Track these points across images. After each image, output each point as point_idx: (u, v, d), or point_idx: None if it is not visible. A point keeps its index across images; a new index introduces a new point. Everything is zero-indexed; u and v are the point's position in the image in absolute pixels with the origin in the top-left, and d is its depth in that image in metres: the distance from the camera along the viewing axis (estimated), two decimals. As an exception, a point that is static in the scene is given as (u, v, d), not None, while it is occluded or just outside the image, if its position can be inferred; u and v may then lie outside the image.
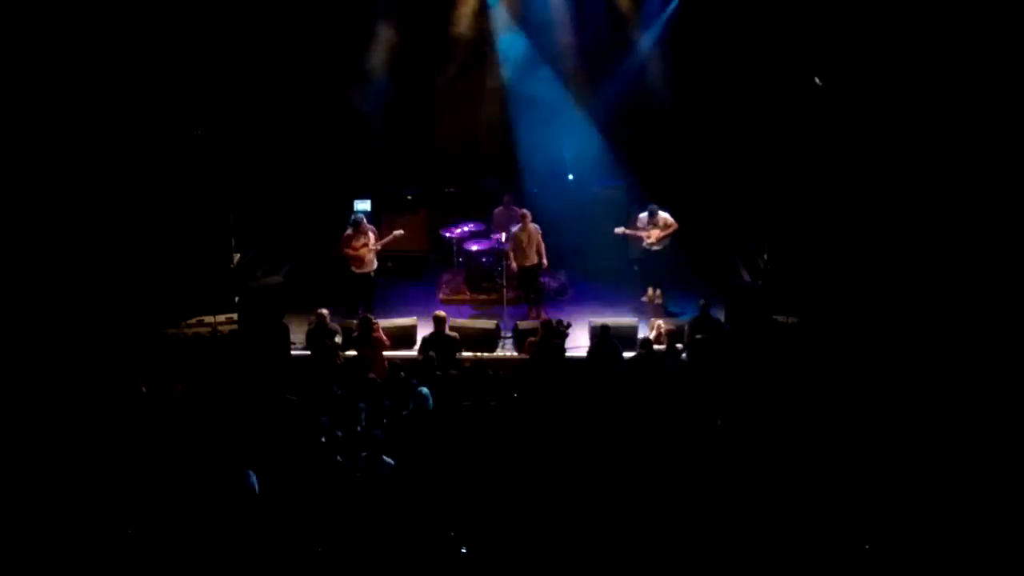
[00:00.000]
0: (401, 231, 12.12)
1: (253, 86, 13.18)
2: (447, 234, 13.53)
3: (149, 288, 11.51)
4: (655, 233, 12.33)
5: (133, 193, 11.79)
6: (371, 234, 11.85)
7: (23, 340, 9.95)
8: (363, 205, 14.06)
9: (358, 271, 11.86)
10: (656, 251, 12.44)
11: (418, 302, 12.65)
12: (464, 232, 13.48)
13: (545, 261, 12.09)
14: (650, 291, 12.70)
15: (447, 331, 10.30)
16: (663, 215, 12.37)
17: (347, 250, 11.76)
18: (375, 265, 12.00)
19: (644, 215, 12.44)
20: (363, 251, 11.73)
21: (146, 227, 11.75)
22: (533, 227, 11.97)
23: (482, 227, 13.53)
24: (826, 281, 11.59)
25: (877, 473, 7.21)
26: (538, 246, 11.99)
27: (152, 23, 11.78)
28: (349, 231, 11.83)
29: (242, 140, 13.16)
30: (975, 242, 11.18)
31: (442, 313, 10.41)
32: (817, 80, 11.59)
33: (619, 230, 12.58)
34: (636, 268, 13.44)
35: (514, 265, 11.99)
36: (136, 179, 11.87)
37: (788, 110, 12.77)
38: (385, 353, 10.26)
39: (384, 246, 12.01)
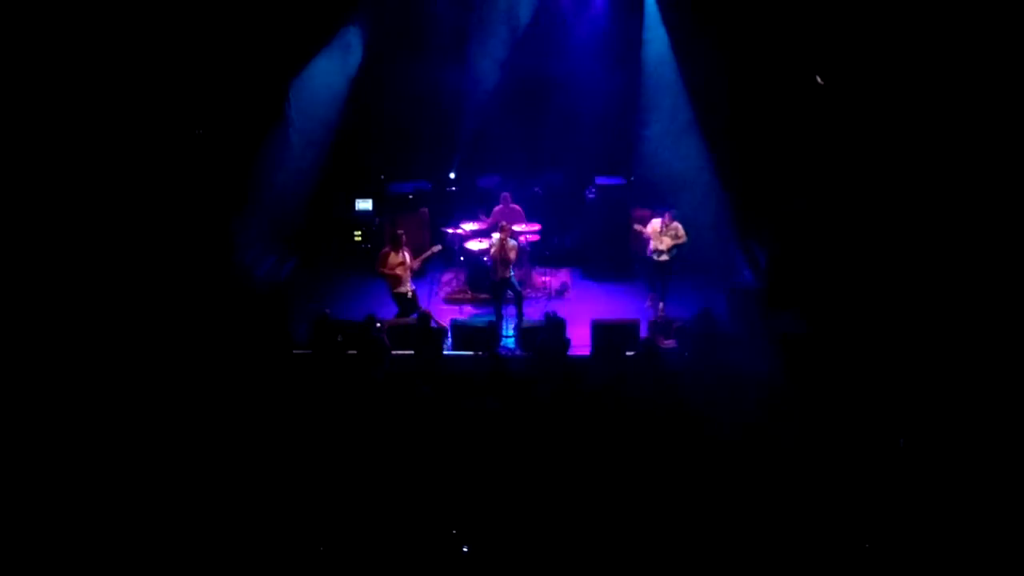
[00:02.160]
0: (439, 247, 12.03)
1: (254, 85, 13.17)
2: (448, 233, 13.52)
3: (150, 287, 11.50)
4: (666, 240, 12.00)
5: (134, 192, 11.77)
6: (407, 253, 11.50)
7: (22, 339, 9.94)
8: (364, 204, 14.07)
9: (395, 290, 11.51)
10: (663, 261, 12.07)
11: (419, 301, 12.64)
12: (465, 231, 13.48)
13: (509, 274, 11.73)
14: (657, 301, 12.46)
15: (431, 325, 10.37)
16: (676, 224, 12.03)
17: (383, 269, 11.43)
18: (411, 286, 11.60)
19: (658, 220, 12.11)
20: (399, 270, 11.38)
21: (147, 226, 11.74)
22: (511, 242, 11.67)
23: (483, 226, 13.52)
24: (829, 280, 11.57)
25: (879, 473, 7.21)
26: (508, 260, 11.63)
27: (152, 22, 11.78)
28: (387, 248, 11.52)
29: (243, 138, 13.15)
30: (977, 240, 11.15)
31: (426, 311, 10.47)
32: (818, 79, 11.58)
33: (637, 227, 12.34)
34: (637, 267, 13.44)
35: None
36: (137, 178, 11.86)
37: (789, 108, 12.78)
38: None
39: (422, 262, 11.75)
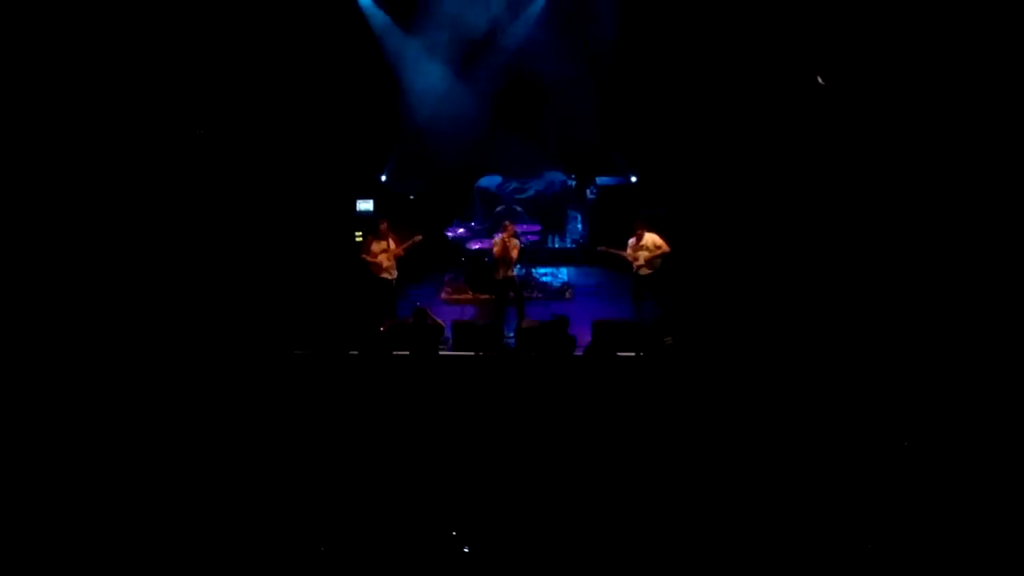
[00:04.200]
0: (420, 236, 11.92)
1: (254, 85, 13.18)
2: (449, 234, 13.52)
3: (152, 286, 11.50)
4: (643, 255, 11.63)
5: (135, 191, 11.79)
6: (391, 240, 11.60)
7: (27, 338, 9.94)
8: (365, 205, 14.07)
9: (378, 276, 11.62)
10: (649, 274, 11.71)
11: (420, 302, 12.63)
12: (466, 232, 13.47)
13: (512, 273, 11.69)
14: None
15: (428, 322, 10.46)
16: (651, 236, 11.65)
17: (365, 255, 11.58)
18: (395, 273, 11.69)
19: (632, 240, 11.74)
20: (381, 257, 11.52)
21: (148, 225, 11.75)
22: (513, 241, 11.60)
23: (484, 226, 13.53)
24: (829, 279, 11.57)
25: (877, 471, 7.21)
26: (511, 260, 11.60)
27: (153, 22, 11.79)
28: (369, 236, 11.67)
29: (244, 138, 13.15)
30: (978, 240, 11.16)
31: (422, 307, 10.53)
32: (819, 79, 11.58)
33: (601, 248, 12.07)
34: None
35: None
36: (138, 177, 11.88)
37: (790, 109, 12.78)
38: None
39: (405, 250, 11.70)
